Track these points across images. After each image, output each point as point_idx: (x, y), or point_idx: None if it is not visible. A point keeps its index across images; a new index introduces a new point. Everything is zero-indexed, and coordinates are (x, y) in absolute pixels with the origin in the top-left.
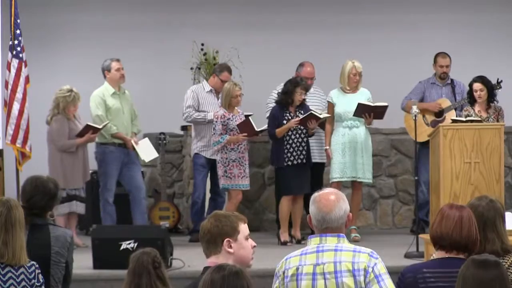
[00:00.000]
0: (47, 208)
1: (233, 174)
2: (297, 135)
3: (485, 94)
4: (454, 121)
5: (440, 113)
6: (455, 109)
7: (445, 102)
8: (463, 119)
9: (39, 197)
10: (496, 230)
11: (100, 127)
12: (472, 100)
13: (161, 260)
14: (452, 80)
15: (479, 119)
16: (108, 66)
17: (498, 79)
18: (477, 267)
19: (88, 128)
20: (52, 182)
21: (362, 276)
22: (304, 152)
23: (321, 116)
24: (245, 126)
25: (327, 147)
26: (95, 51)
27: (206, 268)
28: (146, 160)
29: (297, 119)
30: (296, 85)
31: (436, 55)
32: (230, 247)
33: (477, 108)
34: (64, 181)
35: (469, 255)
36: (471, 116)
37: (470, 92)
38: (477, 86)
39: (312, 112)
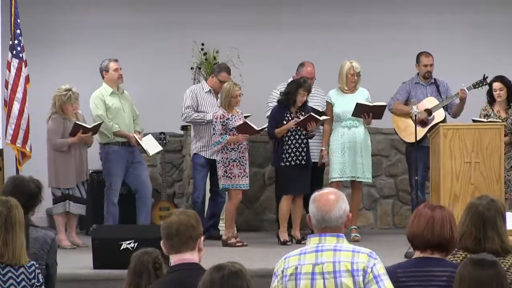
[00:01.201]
0: (28, 208)
1: (233, 174)
2: (297, 136)
3: (504, 94)
4: (474, 121)
5: (428, 113)
6: (443, 108)
7: (433, 101)
8: (484, 120)
9: (18, 196)
10: (496, 229)
11: (89, 126)
12: (491, 100)
13: (162, 261)
14: (435, 79)
15: (499, 120)
16: (106, 66)
17: (484, 74)
18: (474, 266)
19: (77, 127)
20: (33, 182)
21: (361, 276)
22: (303, 153)
23: (321, 118)
24: (244, 128)
25: (323, 148)
26: (95, 51)
27: (178, 266)
28: (151, 153)
29: (296, 120)
30: (299, 86)
31: (419, 55)
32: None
33: (496, 108)
34: (56, 180)
35: (447, 254)
36: (490, 115)
37: (490, 92)
38: (497, 85)
39: (312, 114)
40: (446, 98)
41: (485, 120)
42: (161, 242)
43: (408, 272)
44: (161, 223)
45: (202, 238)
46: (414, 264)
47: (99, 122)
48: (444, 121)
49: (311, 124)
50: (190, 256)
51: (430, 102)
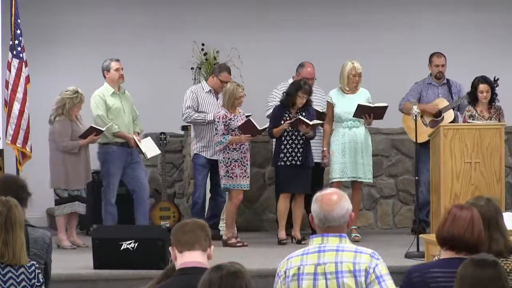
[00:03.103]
0: (23, 203)
1: (235, 174)
2: (293, 137)
3: (489, 95)
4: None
5: (438, 113)
6: (453, 109)
7: (443, 102)
8: (479, 122)
9: (13, 193)
10: (499, 229)
11: (103, 129)
12: (473, 101)
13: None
14: (448, 79)
15: (478, 122)
16: (108, 66)
17: (495, 77)
18: (475, 266)
19: (91, 130)
20: (21, 178)
21: (363, 276)
22: (299, 154)
23: (311, 123)
24: (247, 127)
25: (325, 149)
26: (95, 51)
27: (188, 269)
28: (149, 156)
29: (288, 121)
30: (298, 88)
31: (431, 55)
32: None
33: (479, 108)
34: (65, 182)
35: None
36: (475, 116)
37: (473, 92)
38: (483, 87)
39: (300, 117)
40: (458, 99)
41: (480, 122)
42: (171, 247)
43: (447, 273)
44: (173, 227)
45: (212, 247)
46: (452, 264)
47: (110, 124)
48: (454, 122)
49: (301, 126)
50: (201, 259)
51: (440, 103)
